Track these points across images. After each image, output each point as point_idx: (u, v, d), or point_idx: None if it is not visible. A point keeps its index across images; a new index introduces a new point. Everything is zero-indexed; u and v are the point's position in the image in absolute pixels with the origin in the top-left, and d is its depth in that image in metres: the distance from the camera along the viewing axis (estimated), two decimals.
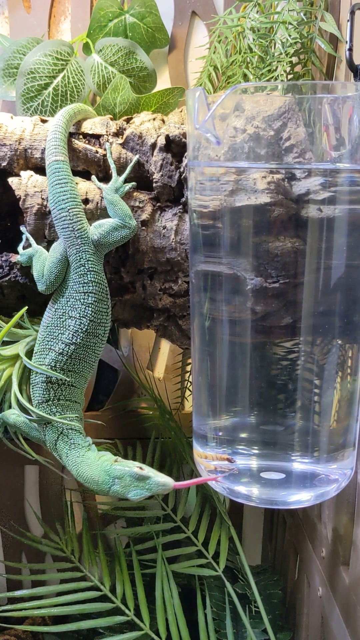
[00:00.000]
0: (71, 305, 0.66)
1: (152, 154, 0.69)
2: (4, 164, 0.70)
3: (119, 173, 0.69)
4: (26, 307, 0.67)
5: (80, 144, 0.70)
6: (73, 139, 0.70)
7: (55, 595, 0.86)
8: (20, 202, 0.69)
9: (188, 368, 1.02)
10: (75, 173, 0.69)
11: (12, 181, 0.69)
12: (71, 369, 0.66)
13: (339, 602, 0.71)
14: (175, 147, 0.68)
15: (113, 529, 1.05)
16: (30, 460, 0.72)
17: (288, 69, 0.77)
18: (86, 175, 0.70)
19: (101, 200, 0.68)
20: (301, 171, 0.55)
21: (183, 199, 0.68)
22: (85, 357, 0.67)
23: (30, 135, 0.70)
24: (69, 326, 0.66)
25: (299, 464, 0.60)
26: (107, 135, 0.70)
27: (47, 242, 0.69)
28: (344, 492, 0.67)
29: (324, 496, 0.61)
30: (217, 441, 0.63)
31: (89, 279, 0.65)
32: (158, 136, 0.69)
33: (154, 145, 0.69)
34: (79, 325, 0.65)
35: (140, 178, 0.70)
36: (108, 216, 0.67)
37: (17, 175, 0.70)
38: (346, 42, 0.62)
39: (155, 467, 0.74)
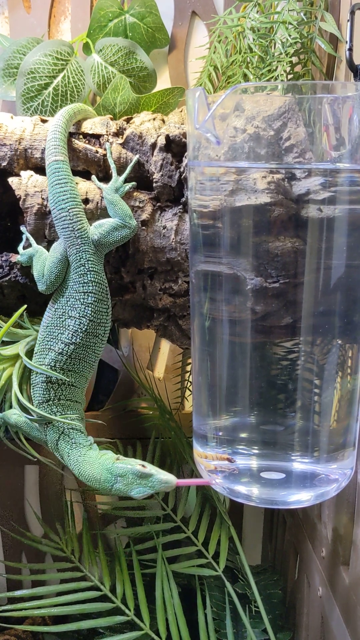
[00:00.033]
0: (71, 305, 0.66)
1: (152, 154, 0.69)
2: (4, 163, 0.70)
3: (119, 173, 0.69)
4: (25, 306, 0.67)
5: (80, 143, 0.70)
6: (73, 139, 0.70)
7: (55, 595, 0.86)
8: (21, 202, 0.69)
9: (188, 368, 1.02)
10: (76, 173, 0.69)
11: (12, 181, 0.69)
12: (71, 368, 0.66)
13: (339, 602, 0.71)
14: (176, 147, 0.68)
15: (113, 529, 1.05)
16: (30, 460, 0.72)
17: (288, 69, 0.77)
18: (86, 175, 0.70)
19: (101, 200, 0.68)
20: (301, 171, 0.55)
21: (183, 199, 0.68)
22: (85, 357, 0.67)
23: (31, 135, 0.70)
24: (69, 326, 0.66)
25: (299, 464, 0.60)
26: (107, 135, 0.70)
27: (47, 242, 0.69)
28: (344, 492, 0.67)
29: (324, 496, 0.61)
30: (217, 441, 0.63)
31: (89, 278, 0.65)
32: (158, 136, 0.69)
33: (154, 145, 0.69)
34: (79, 325, 0.65)
35: (141, 178, 0.70)
36: (108, 216, 0.67)
37: (17, 175, 0.70)
38: (346, 42, 0.62)
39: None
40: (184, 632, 0.84)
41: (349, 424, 0.61)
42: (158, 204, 0.69)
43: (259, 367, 0.59)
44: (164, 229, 0.68)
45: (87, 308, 0.65)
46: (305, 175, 0.55)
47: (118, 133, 0.70)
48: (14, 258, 0.71)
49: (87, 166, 0.70)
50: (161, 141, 0.68)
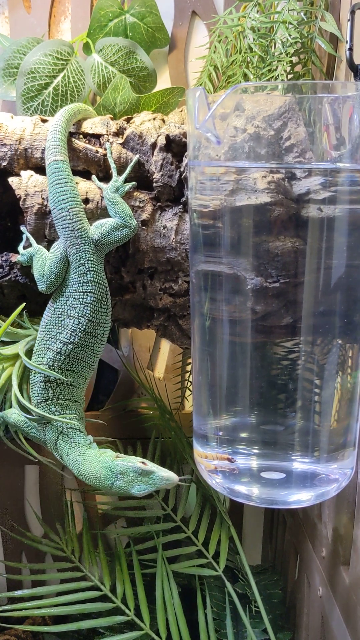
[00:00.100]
0: (70, 305, 0.66)
1: (153, 154, 0.69)
2: (4, 163, 0.70)
3: (119, 173, 0.69)
4: (24, 304, 0.67)
5: (80, 143, 0.70)
6: (73, 139, 0.70)
7: (56, 595, 0.86)
8: (21, 202, 0.69)
9: (188, 368, 1.02)
10: (76, 173, 0.69)
11: (13, 181, 0.69)
12: (69, 368, 0.66)
13: (339, 602, 0.71)
14: (176, 147, 0.68)
15: (113, 528, 1.05)
16: (30, 460, 0.72)
17: (288, 69, 0.77)
18: (86, 175, 0.70)
19: (101, 200, 0.68)
20: (301, 171, 0.55)
21: (183, 199, 0.68)
22: (83, 356, 0.67)
23: (31, 135, 0.70)
24: (68, 325, 0.66)
25: (299, 464, 0.60)
26: (107, 134, 0.70)
27: (48, 241, 0.69)
28: (344, 491, 0.67)
29: (324, 496, 0.61)
30: (217, 441, 0.63)
31: (89, 278, 0.65)
32: (158, 136, 0.69)
33: (154, 145, 0.69)
34: (77, 324, 0.65)
35: (141, 178, 0.70)
36: (108, 216, 0.67)
37: (18, 175, 0.70)
38: (346, 41, 0.62)
39: None
40: (184, 632, 0.84)
41: (349, 424, 0.61)
42: (158, 203, 0.69)
43: (259, 367, 0.59)
44: (164, 228, 0.68)
45: (86, 308, 0.65)
46: (306, 175, 0.55)
47: (118, 133, 0.70)
48: (14, 258, 0.71)
49: (87, 166, 0.70)
50: (161, 141, 0.68)
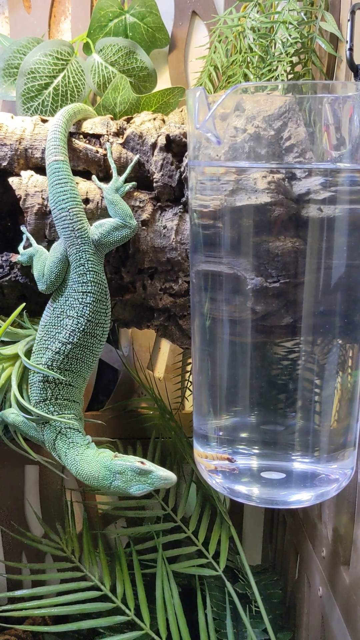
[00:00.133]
0: (69, 305, 0.66)
1: (153, 154, 0.69)
2: (5, 163, 0.70)
3: (120, 173, 0.69)
4: (24, 304, 0.67)
5: (80, 143, 0.70)
6: (73, 139, 0.70)
7: (56, 595, 0.86)
8: (21, 202, 0.69)
9: (188, 368, 1.02)
10: (76, 173, 0.69)
11: (13, 181, 0.69)
12: (68, 368, 0.66)
13: (339, 602, 0.71)
14: (176, 147, 0.68)
15: (113, 528, 1.05)
16: (30, 460, 0.72)
17: (288, 69, 0.77)
18: (86, 175, 0.70)
19: (101, 200, 0.68)
20: (301, 171, 0.55)
21: (183, 199, 0.68)
22: (82, 356, 0.66)
23: (31, 135, 0.70)
24: (66, 325, 0.66)
25: (300, 464, 0.60)
26: (107, 135, 0.70)
27: (48, 241, 0.69)
28: (344, 492, 0.67)
29: (324, 496, 0.61)
30: (217, 441, 0.63)
31: (88, 278, 0.65)
32: (158, 136, 0.69)
33: (154, 145, 0.69)
34: (76, 324, 0.65)
35: (141, 178, 0.70)
36: (108, 216, 0.67)
37: (18, 175, 0.70)
38: (346, 41, 0.62)
39: None
40: (184, 632, 0.84)
41: (349, 424, 0.61)
42: (158, 203, 0.69)
43: (260, 367, 0.59)
44: (164, 228, 0.68)
45: (85, 308, 0.65)
46: (306, 175, 0.55)
47: (118, 133, 0.70)
48: (14, 258, 0.71)
49: (88, 166, 0.70)
50: (161, 141, 0.68)
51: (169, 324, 0.74)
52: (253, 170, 0.55)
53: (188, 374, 1.02)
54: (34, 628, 0.89)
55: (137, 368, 1.02)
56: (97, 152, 0.69)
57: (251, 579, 0.88)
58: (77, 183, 0.68)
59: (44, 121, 0.71)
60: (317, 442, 0.60)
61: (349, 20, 0.62)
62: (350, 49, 0.62)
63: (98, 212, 0.68)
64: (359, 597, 0.65)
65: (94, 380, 1.02)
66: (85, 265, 0.65)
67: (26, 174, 0.69)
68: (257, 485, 0.60)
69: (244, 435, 0.62)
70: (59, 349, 0.65)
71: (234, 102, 0.56)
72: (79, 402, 0.69)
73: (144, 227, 0.68)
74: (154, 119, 0.71)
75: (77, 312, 0.65)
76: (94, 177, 0.69)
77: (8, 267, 0.71)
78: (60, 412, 0.67)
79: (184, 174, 0.67)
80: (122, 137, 0.70)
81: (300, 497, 0.59)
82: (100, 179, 0.69)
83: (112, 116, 0.73)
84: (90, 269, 0.65)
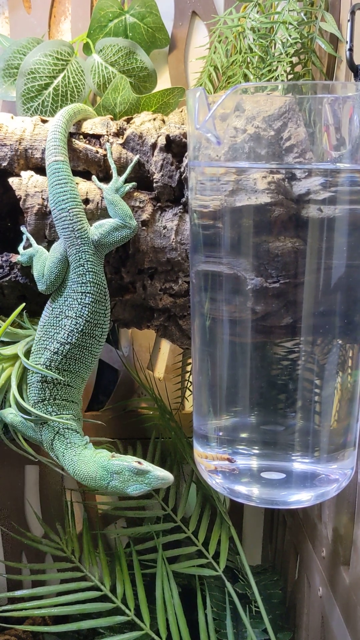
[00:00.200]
0: (68, 305, 0.66)
1: (153, 154, 0.69)
2: (5, 164, 0.70)
3: (120, 173, 0.69)
4: (24, 304, 0.67)
5: (80, 144, 0.70)
6: (73, 139, 0.70)
7: (56, 595, 0.86)
8: (21, 202, 0.69)
9: (188, 368, 1.02)
10: (76, 173, 0.69)
11: (13, 181, 0.69)
12: (66, 368, 0.66)
13: (339, 602, 0.71)
14: (176, 147, 0.68)
15: (113, 529, 1.05)
16: (30, 460, 0.72)
17: (288, 69, 0.77)
18: (86, 176, 0.70)
19: (101, 200, 0.68)
20: (301, 171, 0.55)
21: (183, 199, 0.68)
22: (81, 357, 0.66)
23: (31, 135, 0.70)
24: (65, 325, 0.66)
25: (300, 464, 0.60)
26: (107, 135, 0.70)
27: (48, 242, 0.69)
28: (344, 492, 0.67)
29: (324, 496, 0.61)
30: (217, 441, 0.63)
31: (88, 279, 0.65)
32: (158, 136, 0.69)
33: (154, 146, 0.69)
34: (75, 325, 0.65)
35: (141, 178, 0.70)
36: (108, 216, 0.67)
37: (18, 175, 0.70)
38: (346, 42, 0.62)
39: None
40: (184, 632, 0.84)
41: (349, 424, 0.61)
42: (158, 204, 0.69)
43: (260, 367, 0.59)
44: (164, 229, 0.68)
45: (84, 308, 0.65)
46: (306, 175, 0.55)
47: (118, 133, 0.70)
48: (14, 258, 0.71)
49: (88, 166, 0.70)
50: (161, 141, 0.68)
51: (169, 324, 0.74)
52: (253, 170, 0.56)
53: (188, 374, 1.02)
54: (34, 628, 0.89)
55: (137, 368, 1.02)
56: (97, 152, 0.69)
57: (251, 579, 0.88)
58: (77, 183, 0.68)
59: (44, 121, 0.71)
60: (317, 442, 0.60)
61: (348, 21, 0.62)
62: (350, 49, 0.62)
63: (98, 213, 0.68)
64: (359, 597, 0.65)
65: (94, 381, 1.02)
66: (85, 265, 0.65)
67: (26, 174, 0.69)
68: (257, 485, 0.60)
69: (244, 435, 0.62)
70: (58, 349, 0.65)
71: (234, 103, 0.56)
72: (77, 402, 0.69)
73: (144, 228, 0.68)
74: (154, 119, 0.71)
75: (75, 313, 0.65)
76: (94, 177, 0.69)
77: (8, 268, 0.71)
78: (59, 413, 0.67)
79: (184, 175, 0.67)
80: (122, 138, 0.70)
81: (300, 497, 0.60)
82: (100, 180, 0.69)
83: (112, 116, 0.73)
84: (89, 269, 0.65)
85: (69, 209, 0.65)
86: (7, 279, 0.71)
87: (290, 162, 0.55)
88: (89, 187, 0.69)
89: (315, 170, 0.55)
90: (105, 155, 0.69)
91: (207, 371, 0.63)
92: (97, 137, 0.70)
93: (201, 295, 0.61)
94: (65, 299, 0.66)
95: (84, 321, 0.66)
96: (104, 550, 0.91)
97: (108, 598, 0.86)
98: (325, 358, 0.59)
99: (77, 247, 0.65)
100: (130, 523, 1.02)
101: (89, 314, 0.66)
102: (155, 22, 0.88)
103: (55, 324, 0.66)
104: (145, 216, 0.68)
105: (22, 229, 0.70)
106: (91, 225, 0.66)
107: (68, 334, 0.65)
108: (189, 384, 1.02)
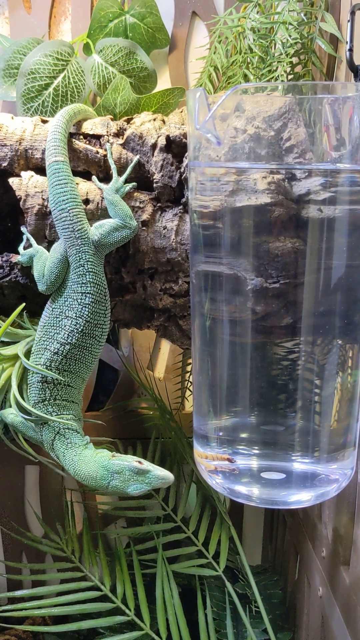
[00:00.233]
0: (68, 305, 0.66)
1: (153, 155, 0.69)
2: (5, 164, 0.70)
3: (120, 173, 0.69)
4: (24, 305, 0.67)
5: (80, 144, 0.70)
6: (73, 140, 0.70)
7: (56, 595, 0.86)
8: (21, 203, 0.69)
9: (188, 368, 1.02)
10: (76, 173, 0.69)
11: (13, 181, 0.69)
12: (66, 368, 0.66)
13: (339, 602, 0.71)
14: (176, 148, 0.68)
15: (113, 529, 1.05)
16: (30, 460, 0.72)
17: (288, 70, 0.77)
18: (87, 176, 0.70)
19: (102, 200, 0.68)
20: (301, 171, 0.55)
21: (183, 200, 0.68)
22: (81, 357, 0.66)
23: (31, 135, 0.70)
24: (65, 326, 0.66)
25: (300, 464, 0.60)
26: (107, 135, 0.70)
27: (48, 242, 0.69)
28: (344, 492, 0.67)
29: (324, 496, 0.61)
30: (217, 441, 0.63)
31: (88, 279, 0.65)
32: (158, 136, 0.69)
33: (154, 146, 0.69)
34: (75, 325, 0.65)
35: (141, 178, 0.70)
36: (109, 216, 0.67)
37: (18, 175, 0.70)
38: (346, 42, 0.62)
39: None
40: (184, 632, 0.84)
41: (349, 424, 0.61)
42: (158, 204, 0.69)
43: (260, 368, 0.59)
44: (164, 229, 0.68)
45: (84, 309, 0.65)
46: (306, 175, 0.55)
47: (118, 133, 0.70)
48: (15, 258, 0.71)
49: (88, 167, 0.70)
50: (161, 142, 0.68)
51: (169, 324, 0.74)
52: (253, 170, 0.56)
53: (188, 374, 1.02)
54: (34, 628, 0.89)
55: (137, 368, 1.02)
56: (97, 152, 0.69)
57: (251, 579, 0.88)
58: (77, 184, 0.68)
59: (44, 122, 0.71)
60: (317, 443, 0.60)
61: (348, 21, 0.62)
62: (350, 50, 0.62)
63: (98, 213, 0.68)
64: (359, 597, 0.66)
65: (94, 381, 1.02)
66: (85, 266, 0.65)
67: (26, 174, 0.69)
68: (257, 485, 0.60)
69: (244, 435, 0.62)
70: (58, 349, 0.65)
71: (234, 103, 0.56)
72: (77, 402, 0.69)
73: (144, 228, 0.69)
74: (154, 119, 0.71)
75: (75, 313, 0.65)
76: (94, 177, 0.69)
77: (8, 268, 0.71)
78: (59, 413, 0.67)
79: (184, 175, 0.67)
80: (122, 138, 0.70)
81: (300, 498, 0.60)
82: (101, 180, 0.69)
83: (112, 117, 0.73)
84: (90, 269, 0.65)
85: (69, 209, 0.65)
86: (7, 279, 0.71)
87: (290, 163, 0.55)
88: (89, 188, 0.69)
89: (315, 171, 0.55)
90: (105, 156, 0.69)
91: (207, 371, 0.63)
92: (97, 137, 0.71)
93: (201, 295, 0.61)
94: (66, 299, 0.66)
95: (84, 321, 0.66)
96: (104, 550, 0.91)
97: (108, 598, 0.86)
98: (325, 358, 0.59)
99: (77, 247, 0.65)
100: (130, 523, 1.02)
101: (89, 314, 0.66)
102: (156, 22, 0.88)
103: (55, 325, 0.66)
104: (145, 216, 0.68)
105: (22, 229, 0.70)
106: (91, 226, 0.66)
107: (68, 335, 0.65)
108: (189, 384, 1.02)
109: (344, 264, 0.56)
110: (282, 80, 0.75)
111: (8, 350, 0.70)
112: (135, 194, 0.69)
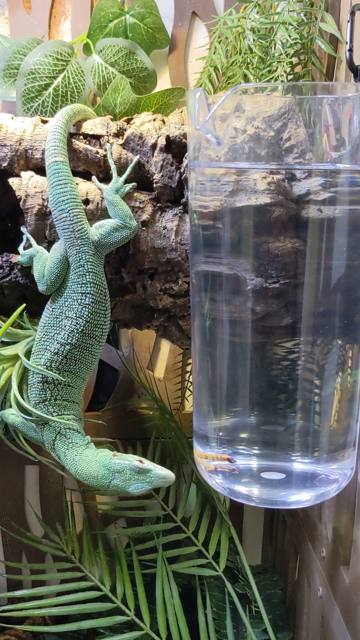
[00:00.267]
0: (68, 305, 0.66)
1: (153, 155, 0.69)
2: (5, 164, 0.70)
3: (120, 174, 0.69)
4: (24, 305, 0.67)
5: (80, 144, 0.70)
6: (73, 140, 0.70)
7: (56, 595, 0.86)
8: (21, 203, 0.69)
9: (188, 368, 1.02)
10: (76, 173, 0.69)
11: (13, 182, 0.69)
12: (67, 369, 0.66)
13: (339, 602, 0.71)
14: (176, 148, 0.68)
15: (113, 529, 1.05)
16: (30, 460, 0.72)
17: (288, 70, 0.77)
18: (87, 176, 0.70)
19: (102, 200, 0.68)
20: (301, 172, 0.55)
21: (183, 200, 0.68)
22: (81, 358, 0.66)
23: (31, 135, 0.70)
24: (65, 326, 0.66)
25: (299, 464, 0.60)
26: (107, 135, 0.70)
27: (48, 242, 0.69)
28: (344, 492, 0.67)
29: (324, 496, 0.61)
30: (217, 441, 0.63)
31: (88, 279, 0.65)
32: (158, 137, 0.69)
33: (154, 146, 0.69)
34: (75, 325, 0.65)
35: (141, 178, 0.70)
36: (109, 217, 0.67)
37: (18, 175, 0.70)
38: (346, 42, 0.62)
39: None
40: (184, 632, 0.84)
41: (349, 424, 0.61)
42: (158, 204, 0.69)
43: (259, 368, 0.59)
44: (164, 229, 0.68)
45: (84, 309, 0.65)
46: (306, 175, 0.55)
47: (118, 134, 0.70)
48: (15, 258, 0.71)
49: (88, 167, 0.70)
50: (161, 142, 0.68)
51: (169, 324, 0.74)
52: (253, 171, 0.56)
53: (188, 374, 1.02)
54: (34, 628, 0.89)
55: (137, 368, 1.02)
56: (97, 152, 0.69)
57: (251, 579, 0.88)
58: (77, 184, 0.68)
59: (44, 122, 0.71)
60: (317, 443, 0.60)
61: (348, 21, 0.62)
62: (350, 50, 0.62)
63: (98, 213, 0.68)
64: (359, 597, 0.66)
65: (94, 381, 1.02)
66: (85, 266, 0.65)
67: (26, 174, 0.69)
68: (257, 485, 0.60)
69: (243, 435, 0.62)
70: (58, 349, 0.65)
71: (234, 103, 0.56)
72: (78, 402, 0.69)
73: (144, 228, 0.69)
74: (154, 119, 0.71)
75: (75, 313, 0.65)
76: (94, 177, 0.69)
77: (8, 268, 0.71)
78: (60, 413, 0.67)
79: (184, 175, 0.67)
80: (122, 138, 0.70)
81: (300, 498, 0.60)
82: (101, 180, 0.70)
83: (112, 117, 0.73)
84: (90, 269, 0.65)
85: (69, 210, 0.65)
86: (7, 279, 0.71)
87: (290, 163, 0.55)
88: (89, 188, 0.69)
89: (315, 171, 0.55)
90: (105, 156, 0.69)
91: (207, 371, 0.63)
92: (97, 137, 0.71)
93: (201, 295, 0.61)
94: (66, 299, 0.66)
95: (84, 322, 0.66)
96: (104, 550, 0.91)
97: (108, 598, 0.86)
98: (325, 358, 0.59)
99: (77, 247, 0.65)
100: (130, 523, 1.02)
101: (90, 315, 0.66)
102: (155, 22, 0.88)
103: (55, 325, 0.66)
104: (145, 216, 0.68)
105: (22, 229, 0.70)
106: (91, 226, 0.66)
107: (68, 335, 0.65)
108: (189, 384, 1.02)
109: (344, 264, 0.56)
110: (282, 81, 0.75)
111: (8, 351, 0.70)
112: (135, 194, 0.69)
